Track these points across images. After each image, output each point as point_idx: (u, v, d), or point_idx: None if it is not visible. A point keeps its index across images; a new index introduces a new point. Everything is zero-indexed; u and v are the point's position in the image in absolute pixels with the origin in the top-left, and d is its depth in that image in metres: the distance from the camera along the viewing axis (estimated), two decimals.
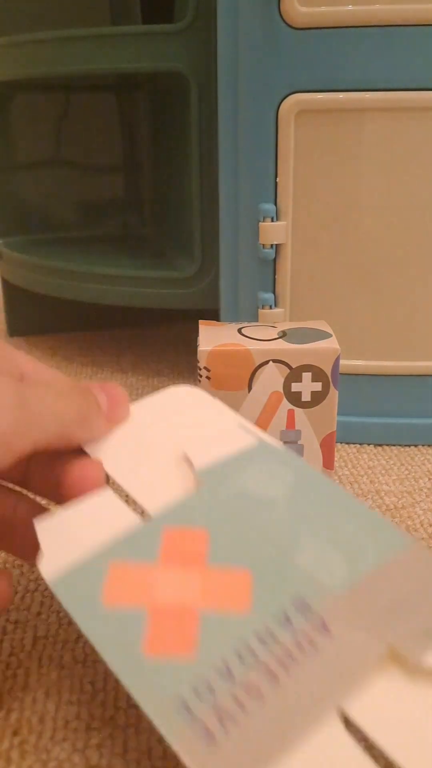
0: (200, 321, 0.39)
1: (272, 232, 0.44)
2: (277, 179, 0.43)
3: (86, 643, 0.30)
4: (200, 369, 0.35)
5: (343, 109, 0.41)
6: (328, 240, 0.44)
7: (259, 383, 0.35)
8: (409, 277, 0.44)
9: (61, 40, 0.52)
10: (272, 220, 0.44)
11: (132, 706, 0.27)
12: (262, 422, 0.36)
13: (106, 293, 0.59)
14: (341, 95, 0.41)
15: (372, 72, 0.40)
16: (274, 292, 0.46)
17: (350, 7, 0.39)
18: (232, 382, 0.35)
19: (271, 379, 0.35)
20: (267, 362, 0.35)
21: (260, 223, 0.44)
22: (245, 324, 0.39)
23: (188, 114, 0.52)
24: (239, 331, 0.37)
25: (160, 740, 0.26)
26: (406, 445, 0.48)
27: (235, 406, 0.36)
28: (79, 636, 0.31)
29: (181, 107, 0.56)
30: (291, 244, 0.45)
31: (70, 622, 0.31)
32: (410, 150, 0.42)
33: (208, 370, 0.35)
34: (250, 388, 0.35)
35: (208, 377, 0.35)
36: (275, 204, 0.44)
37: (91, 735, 0.25)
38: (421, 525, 0.39)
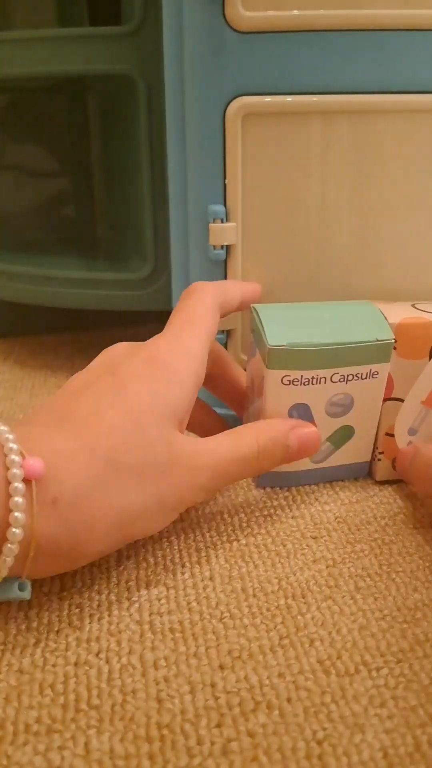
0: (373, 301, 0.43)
1: (222, 233, 0.44)
2: (226, 181, 0.44)
3: (45, 647, 0.30)
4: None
5: (289, 112, 0.42)
6: (279, 241, 0.45)
7: None
8: (359, 278, 0.45)
9: (6, 43, 0.52)
10: (222, 222, 0.44)
11: (93, 707, 0.27)
12: None
13: (59, 296, 0.58)
14: (288, 98, 0.41)
15: (317, 76, 0.41)
16: None
17: (295, 12, 0.40)
18: (416, 351, 0.39)
19: None
20: None
21: (210, 224, 0.44)
22: (414, 302, 0.43)
23: (137, 116, 0.52)
24: (414, 306, 0.42)
25: (122, 740, 0.26)
26: None
27: (416, 373, 0.40)
28: (38, 641, 0.31)
29: (130, 109, 0.56)
30: (242, 245, 0.45)
31: (28, 628, 0.31)
32: (356, 152, 0.43)
33: (395, 341, 0.39)
34: (430, 356, 0.40)
35: (394, 347, 0.39)
36: (225, 205, 0.44)
37: (53, 738, 0.25)
38: None
